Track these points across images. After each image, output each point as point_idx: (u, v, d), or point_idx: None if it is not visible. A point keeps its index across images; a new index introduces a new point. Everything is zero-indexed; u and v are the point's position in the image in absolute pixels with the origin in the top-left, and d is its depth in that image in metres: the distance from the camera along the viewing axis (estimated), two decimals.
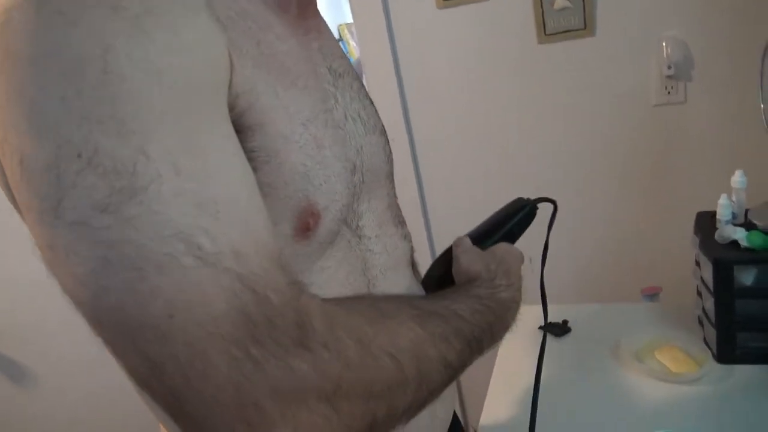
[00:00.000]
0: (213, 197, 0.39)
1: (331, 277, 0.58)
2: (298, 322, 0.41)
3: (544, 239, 0.79)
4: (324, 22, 0.66)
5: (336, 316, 0.44)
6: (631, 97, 1.64)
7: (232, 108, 0.46)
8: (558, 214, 0.80)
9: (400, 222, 0.72)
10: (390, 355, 0.44)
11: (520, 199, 0.78)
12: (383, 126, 0.70)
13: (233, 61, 0.45)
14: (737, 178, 1.05)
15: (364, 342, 0.43)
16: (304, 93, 0.53)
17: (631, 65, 1.61)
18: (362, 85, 0.68)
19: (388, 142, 0.70)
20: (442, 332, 0.51)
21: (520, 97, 1.71)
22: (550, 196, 0.81)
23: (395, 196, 0.73)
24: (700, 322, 1.09)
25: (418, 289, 0.73)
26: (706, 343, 1.05)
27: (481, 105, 1.75)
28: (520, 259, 0.71)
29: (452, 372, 0.52)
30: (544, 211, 0.80)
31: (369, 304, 0.49)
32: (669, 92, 1.61)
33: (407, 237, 0.73)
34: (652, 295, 1.63)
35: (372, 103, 0.70)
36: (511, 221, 0.76)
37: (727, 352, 1.00)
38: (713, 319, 1.00)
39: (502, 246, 0.72)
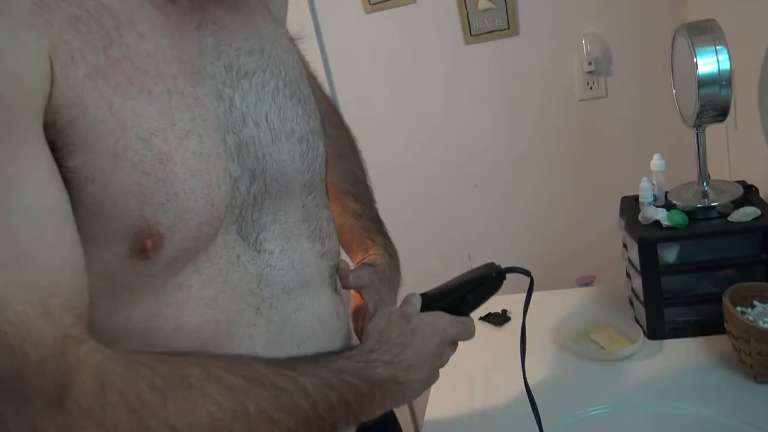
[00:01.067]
0: None
1: (191, 296, 0.53)
2: (59, 380, 0.39)
3: (521, 320, 0.71)
4: (241, 12, 0.59)
5: (112, 379, 0.41)
6: (557, 93, 1.70)
7: (51, 124, 0.43)
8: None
9: (320, 238, 0.66)
10: (173, 428, 0.43)
11: (490, 265, 0.70)
12: (310, 132, 0.64)
13: (55, 72, 0.42)
14: (656, 162, 1.10)
15: (140, 412, 0.42)
16: (158, 100, 0.48)
17: (555, 62, 1.67)
18: (288, 84, 0.62)
19: (314, 149, 0.64)
20: (265, 409, 0.48)
21: (450, 96, 1.74)
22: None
23: (323, 208, 0.68)
24: (631, 302, 1.13)
25: (334, 312, 0.68)
26: (637, 322, 1.09)
27: (412, 105, 1.78)
28: (439, 336, 0.63)
29: None
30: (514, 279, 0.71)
31: (172, 367, 0.46)
32: (591, 87, 1.68)
33: (327, 255, 0.67)
34: (586, 283, 1.68)
35: (303, 105, 0.64)
36: (467, 288, 0.69)
37: (656, 328, 1.04)
38: (642, 297, 1.04)
39: (424, 318, 0.64)
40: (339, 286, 0.73)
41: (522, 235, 1.81)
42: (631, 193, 1.18)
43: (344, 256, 0.81)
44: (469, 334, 0.67)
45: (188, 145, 0.50)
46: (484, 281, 0.69)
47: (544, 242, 1.81)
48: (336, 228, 0.85)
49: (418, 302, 0.67)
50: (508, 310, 1.24)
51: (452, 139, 1.77)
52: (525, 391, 0.72)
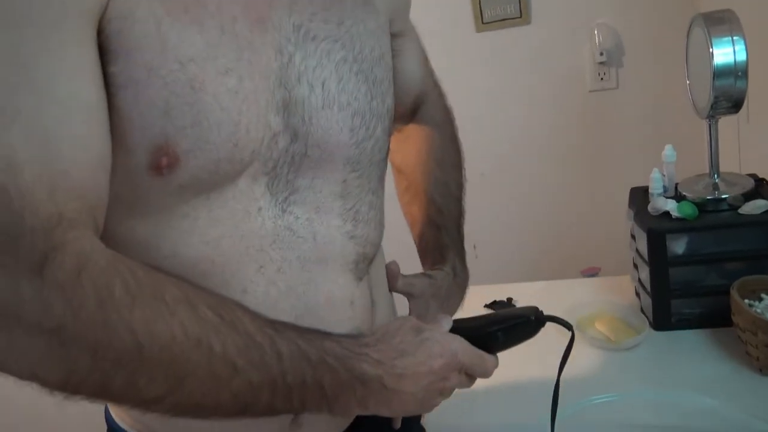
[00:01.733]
0: (17, 107, 0.42)
1: (195, 228, 0.54)
2: (45, 251, 0.42)
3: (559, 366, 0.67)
4: None
5: (91, 268, 0.44)
6: (567, 83, 1.69)
7: (101, 31, 0.47)
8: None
9: (355, 220, 0.64)
10: (132, 332, 0.44)
11: (532, 309, 0.65)
12: (369, 111, 0.62)
13: None
14: (667, 153, 1.09)
15: (106, 306, 0.43)
16: (208, 33, 0.51)
17: (566, 52, 1.67)
18: (359, 62, 0.61)
19: (368, 128, 0.62)
20: (231, 353, 0.47)
21: (460, 84, 1.73)
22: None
23: (369, 192, 0.65)
24: (637, 293, 1.13)
25: (349, 300, 0.64)
26: (644, 312, 1.09)
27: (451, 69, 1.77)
28: (446, 358, 0.57)
29: (240, 405, 0.49)
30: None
31: (153, 279, 0.47)
32: (602, 78, 1.67)
33: (357, 239, 0.64)
34: (591, 274, 1.68)
35: (370, 84, 0.62)
36: (500, 325, 0.64)
37: (662, 319, 1.04)
38: (649, 288, 1.04)
39: (437, 335, 0.58)
40: (373, 280, 0.69)
41: (528, 225, 1.81)
42: (640, 184, 1.17)
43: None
44: (484, 370, 0.61)
45: (225, 81, 0.51)
46: (520, 323, 0.65)
47: (550, 233, 1.81)
48: (416, 234, 0.86)
49: (447, 324, 0.62)
50: (513, 298, 1.24)
51: (460, 126, 1.76)
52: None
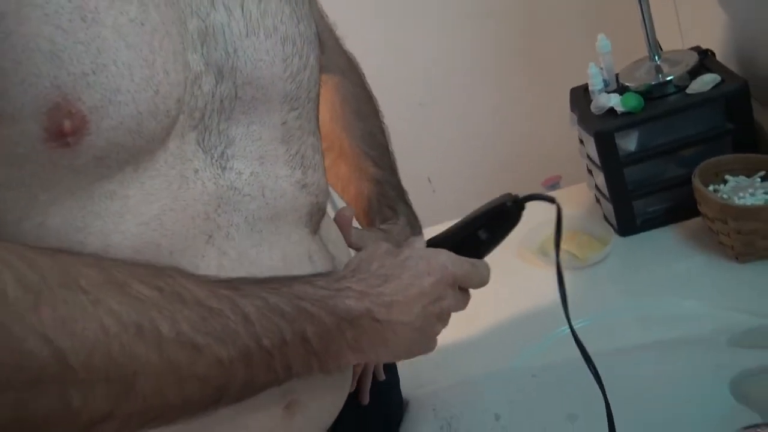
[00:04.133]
0: None
1: (127, 209, 0.43)
2: None
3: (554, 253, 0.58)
4: None
5: None
6: None
7: None
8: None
9: (302, 166, 0.55)
10: (45, 339, 0.32)
11: (505, 196, 0.59)
12: (299, 36, 0.53)
13: None
14: (600, 43, 1.00)
15: None
16: None
17: None
18: None
19: (302, 57, 0.53)
20: (185, 331, 0.37)
21: (373, 2, 1.61)
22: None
23: (309, 134, 0.57)
24: (598, 200, 1.05)
25: (306, 255, 0.57)
26: (607, 220, 1.02)
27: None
28: (436, 274, 0.51)
29: (213, 391, 0.40)
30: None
31: (60, 264, 0.35)
32: None
33: (308, 188, 0.56)
34: (552, 185, 1.61)
35: (293, 5, 0.53)
36: (477, 224, 0.58)
37: (627, 224, 0.97)
38: (607, 193, 0.96)
39: (419, 251, 0.52)
40: (325, 232, 0.62)
41: (478, 148, 1.72)
42: (581, 83, 1.08)
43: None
44: (480, 278, 0.54)
45: (124, 8, 0.40)
46: (498, 214, 0.58)
47: (503, 151, 1.73)
48: (352, 195, 0.76)
49: (421, 244, 0.56)
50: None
51: (383, 61, 1.64)
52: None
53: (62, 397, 0.33)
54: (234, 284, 0.42)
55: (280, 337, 0.42)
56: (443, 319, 0.52)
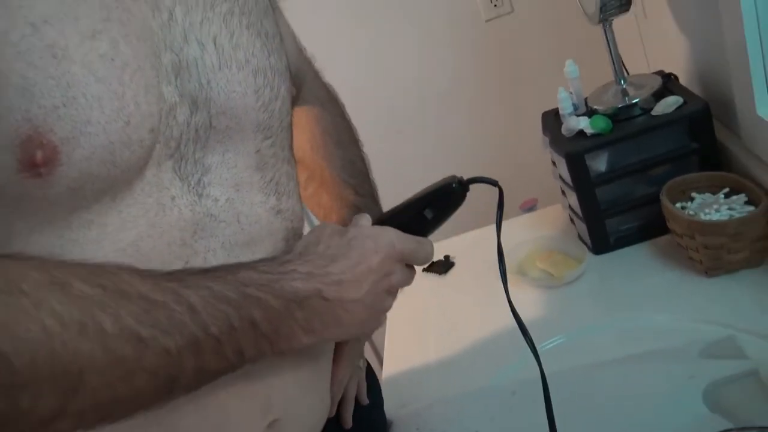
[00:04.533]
0: None
1: (104, 236, 0.44)
2: None
3: (496, 238, 0.61)
4: None
5: None
6: (462, 18, 1.61)
7: None
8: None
9: (277, 192, 0.57)
10: None
11: (450, 177, 0.61)
12: (270, 68, 0.55)
13: None
14: (568, 69, 1.03)
15: None
16: None
17: None
18: (246, 14, 0.54)
19: (273, 88, 0.55)
20: (129, 325, 0.38)
21: (350, 33, 1.64)
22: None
23: (284, 162, 0.58)
24: (572, 220, 1.08)
25: None
26: (581, 239, 1.04)
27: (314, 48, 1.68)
28: (383, 252, 0.52)
29: (164, 382, 0.40)
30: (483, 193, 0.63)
31: (10, 271, 0.37)
32: (495, 5, 1.60)
33: (283, 213, 0.58)
34: (530, 208, 1.64)
35: (264, 39, 0.56)
36: (423, 203, 0.59)
37: (600, 242, 0.99)
38: (580, 212, 0.98)
39: (364, 230, 0.54)
40: None
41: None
42: (552, 107, 1.11)
43: None
44: (425, 254, 0.56)
45: (95, 45, 0.42)
46: (443, 193, 0.60)
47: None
48: (336, 222, 0.75)
49: (367, 221, 0.56)
50: (451, 255, 1.18)
51: (359, 89, 1.67)
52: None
53: (10, 398, 0.34)
54: (178, 276, 0.43)
55: (228, 324, 0.42)
56: (392, 294, 0.54)
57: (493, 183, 0.60)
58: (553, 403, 0.60)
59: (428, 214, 0.59)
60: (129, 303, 0.39)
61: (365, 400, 0.74)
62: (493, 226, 0.61)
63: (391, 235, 0.54)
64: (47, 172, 0.40)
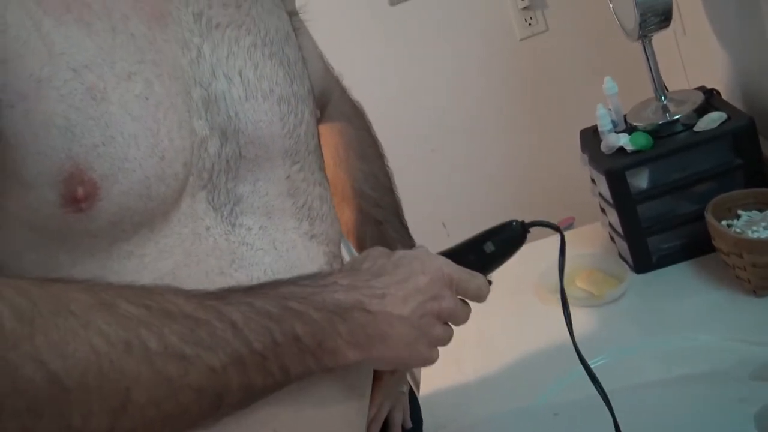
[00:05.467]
0: None
1: (143, 266, 0.46)
2: None
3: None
4: None
5: None
6: (496, 37, 1.62)
7: None
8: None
9: (309, 217, 0.58)
10: (40, 364, 0.34)
11: (512, 221, 0.60)
12: (293, 95, 0.57)
13: None
14: (607, 85, 1.02)
15: None
16: (98, 36, 0.44)
17: (488, 7, 1.59)
18: (268, 44, 0.56)
19: (297, 114, 0.57)
20: (173, 343, 0.39)
21: (390, 50, 1.65)
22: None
23: (314, 185, 0.59)
24: (612, 238, 1.06)
25: None
26: (622, 258, 1.02)
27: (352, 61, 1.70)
28: (431, 274, 0.51)
29: (210, 399, 0.41)
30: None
31: (52, 293, 0.38)
32: (530, 24, 1.60)
33: (318, 237, 0.58)
34: (567, 226, 1.62)
35: (286, 67, 0.58)
36: (483, 240, 0.59)
37: (642, 261, 0.97)
38: (621, 230, 0.97)
39: (414, 252, 0.53)
40: None
41: (492, 192, 1.74)
42: (590, 124, 1.10)
43: None
44: (477, 286, 0.54)
45: (130, 87, 0.45)
46: (505, 232, 0.59)
47: (516, 194, 1.74)
48: (355, 238, 0.78)
49: (418, 250, 0.56)
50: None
51: (393, 107, 1.68)
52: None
53: (62, 417, 0.35)
54: (220, 294, 0.44)
55: (271, 339, 0.43)
56: (442, 320, 0.52)
57: (556, 228, 0.59)
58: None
59: (488, 248, 0.58)
60: (173, 322, 0.40)
61: (409, 424, 0.73)
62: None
63: (440, 260, 0.53)
64: (88, 206, 0.42)
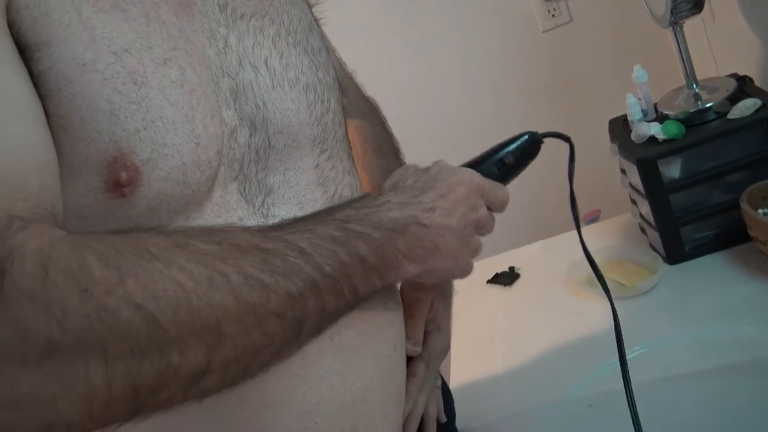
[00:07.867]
0: None
1: None
2: None
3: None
4: None
5: (57, 258, 0.35)
6: (519, 29, 1.60)
7: (11, 24, 0.41)
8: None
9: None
10: (136, 306, 0.35)
11: (527, 132, 0.64)
12: (318, 83, 0.57)
13: None
14: (636, 74, 1.01)
15: (92, 291, 0.35)
16: (135, 21, 0.45)
17: None
18: (292, 33, 0.57)
19: (324, 101, 0.57)
20: (252, 274, 0.40)
21: (410, 44, 1.64)
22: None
23: (344, 173, 0.60)
24: (642, 229, 1.05)
25: (382, 303, 0.58)
26: (653, 249, 1.01)
27: (371, 56, 1.69)
28: (466, 185, 0.54)
29: (292, 325, 0.42)
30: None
31: (129, 239, 0.39)
32: (554, 15, 1.58)
33: None
34: (592, 219, 1.60)
35: (310, 55, 0.58)
36: (502, 149, 0.61)
37: (675, 252, 0.96)
38: (653, 221, 0.95)
39: (447, 166, 0.56)
40: None
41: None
42: (618, 114, 1.09)
43: None
44: (502, 196, 0.58)
45: (167, 72, 0.45)
46: (521, 145, 0.62)
47: (539, 188, 1.72)
48: None
49: (445, 164, 0.58)
50: (516, 266, 1.16)
51: (416, 103, 1.67)
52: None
53: (162, 356, 0.36)
54: (281, 225, 0.45)
55: (339, 261, 0.44)
56: (479, 231, 0.55)
57: (566, 139, 0.64)
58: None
59: (509, 159, 0.61)
60: (246, 254, 0.41)
61: (444, 418, 0.73)
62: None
63: (471, 171, 0.56)
64: (130, 192, 0.43)
